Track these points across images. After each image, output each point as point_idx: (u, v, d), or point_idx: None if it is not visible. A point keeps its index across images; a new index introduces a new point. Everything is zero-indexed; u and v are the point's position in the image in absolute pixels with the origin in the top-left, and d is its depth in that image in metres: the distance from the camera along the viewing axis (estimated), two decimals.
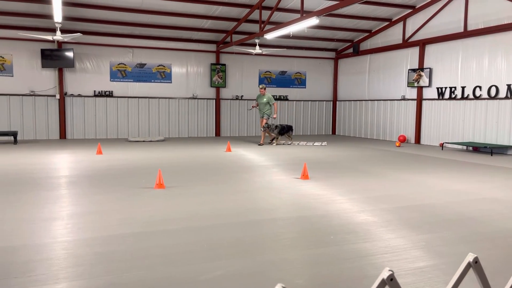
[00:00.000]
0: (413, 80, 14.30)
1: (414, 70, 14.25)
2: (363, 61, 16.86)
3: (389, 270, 1.13)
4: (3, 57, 13.85)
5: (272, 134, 13.17)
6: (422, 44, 13.87)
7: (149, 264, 3.37)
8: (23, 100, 14.15)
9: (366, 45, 16.64)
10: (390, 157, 10.65)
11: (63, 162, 9.11)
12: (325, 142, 14.09)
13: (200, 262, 3.45)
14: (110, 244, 3.85)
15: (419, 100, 14.20)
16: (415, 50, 14.27)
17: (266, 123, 13.03)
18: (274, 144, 13.13)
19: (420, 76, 14.00)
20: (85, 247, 3.76)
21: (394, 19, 14.98)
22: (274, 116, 13.26)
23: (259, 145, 13.05)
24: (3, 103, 13.91)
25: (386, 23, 15.28)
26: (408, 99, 14.73)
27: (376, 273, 3.26)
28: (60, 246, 3.79)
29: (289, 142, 13.63)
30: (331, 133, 18.72)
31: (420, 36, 14.03)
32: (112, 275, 3.15)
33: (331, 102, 18.66)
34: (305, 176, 7.23)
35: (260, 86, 13.25)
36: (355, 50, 16.50)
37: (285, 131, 13.41)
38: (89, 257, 3.52)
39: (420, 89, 14.18)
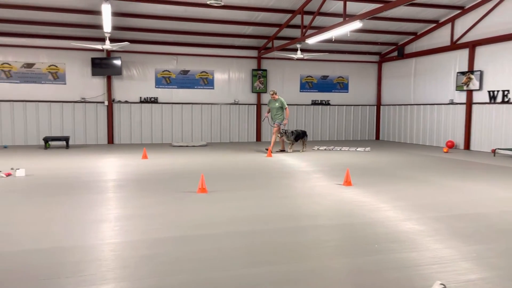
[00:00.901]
0: (462, 83, 13.73)
1: (463, 73, 13.67)
2: (408, 64, 16.39)
3: (441, 284, 1.08)
4: (56, 66, 14.62)
5: (288, 140, 12.37)
6: (472, 46, 13.29)
7: (191, 268, 3.42)
8: (74, 106, 14.85)
9: (411, 48, 16.17)
10: (438, 163, 10.25)
11: (111, 166, 9.46)
12: (369, 148, 13.79)
13: (241, 267, 3.46)
14: (155, 247, 3.94)
15: (469, 104, 13.60)
16: (464, 52, 13.69)
17: (282, 130, 12.36)
18: (290, 151, 12.43)
19: (470, 79, 13.41)
20: (131, 249, 3.87)
21: (441, 20, 14.46)
22: (285, 122, 12.41)
23: (280, 151, 12.46)
24: (56, 110, 14.66)
25: (433, 25, 14.78)
26: (457, 103, 14.14)
27: (424, 285, 3.13)
28: (108, 247, 3.92)
29: (304, 149, 12.81)
30: (374, 138, 18.31)
31: (469, 37, 13.45)
32: (156, 278, 3.23)
33: (375, 106, 18.26)
34: (348, 183, 7.10)
35: (271, 92, 12.54)
36: (400, 53, 16.08)
37: (300, 137, 12.69)
38: (135, 259, 3.62)
39: (469, 92, 13.58)
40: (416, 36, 15.68)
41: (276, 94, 12.54)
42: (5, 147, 13.61)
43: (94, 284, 3.11)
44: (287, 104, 12.88)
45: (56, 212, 5.22)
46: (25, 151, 12.46)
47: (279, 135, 12.32)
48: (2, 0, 11.46)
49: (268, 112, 12.73)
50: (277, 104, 12.41)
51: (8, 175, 7.81)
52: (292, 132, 12.48)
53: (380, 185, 7.21)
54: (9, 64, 14.11)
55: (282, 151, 12.51)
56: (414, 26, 15.03)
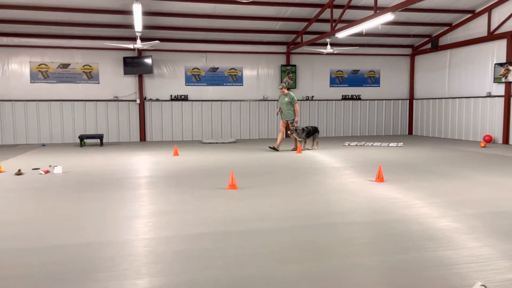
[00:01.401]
0: (500, 75, 13.18)
1: (501, 65, 13.13)
2: (443, 56, 15.89)
3: (482, 285, 1.03)
4: (90, 66, 15.03)
5: (299, 138, 11.65)
6: (510, 36, 12.72)
7: (223, 264, 3.44)
8: (108, 105, 15.24)
9: (446, 39, 15.66)
10: (474, 158, 9.91)
11: (143, 163, 9.66)
12: (401, 143, 13.48)
13: (273, 264, 3.45)
14: (187, 242, 3.99)
15: (508, 96, 13.05)
16: (502, 43, 13.14)
17: (293, 126, 11.58)
18: (302, 148, 11.81)
19: (508, 70, 12.86)
20: (164, 245, 3.94)
21: (477, 10, 13.92)
22: (296, 118, 11.66)
23: (272, 148, 11.78)
24: (91, 108, 15.08)
25: (469, 15, 14.25)
26: (495, 96, 13.60)
27: (461, 284, 3.03)
28: (142, 243, 4.00)
29: (315, 147, 12.12)
30: (407, 133, 17.88)
31: (507, 27, 12.88)
32: (189, 274, 3.27)
33: (407, 100, 17.81)
34: (380, 179, 6.96)
35: (280, 86, 11.70)
36: (434, 45, 15.59)
37: (311, 133, 11.93)
38: (168, 254, 3.68)
39: (508, 84, 13.02)
40: (451, 27, 15.16)
41: (285, 88, 11.71)
42: (43, 145, 14.13)
43: (128, 278, 3.18)
44: (297, 99, 12.33)
45: (92, 208, 5.37)
46: (62, 149, 12.90)
47: (289, 132, 11.75)
48: (39, 3, 11.88)
49: (279, 108, 12.03)
50: (286, 99, 11.65)
51: (47, 172, 8.10)
52: (303, 129, 11.78)
53: (413, 181, 7.03)
54: (46, 65, 14.62)
55: (295, 149, 11.80)
56: (448, 17, 14.55)
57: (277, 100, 16.53)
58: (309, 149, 11.94)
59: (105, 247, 3.86)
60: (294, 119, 11.65)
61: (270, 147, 11.84)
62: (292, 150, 11.82)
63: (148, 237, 4.19)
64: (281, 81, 16.45)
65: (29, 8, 12.05)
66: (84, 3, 12.11)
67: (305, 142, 11.89)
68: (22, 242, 4.02)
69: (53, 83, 14.73)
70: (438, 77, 16.19)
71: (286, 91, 11.63)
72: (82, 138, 13.60)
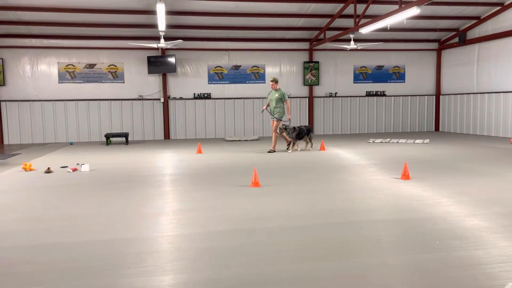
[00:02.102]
0: None
1: None
2: (471, 50, 15.45)
3: None
4: (115, 66, 15.31)
5: (289, 138, 10.85)
6: None
7: (246, 261, 3.45)
8: (133, 104, 15.49)
9: (474, 33, 15.22)
10: (504, 155, 9.60)
11: (167, 160, 9.78)
12: (428, 140, 13.19)
13: (296, 262, 3.44)
14: (211, 240, 4.02)
15: None
16: None
17: (283, 125, 10.68)
18: (290, 151, 10.81)
19: None
20: (188, 241, 3.98)
21: (507, 2, 13.46)
22: (288, 116, 10.87)
23: (270, 152, 10.76)
24: (116, 107, 15.37)
25: (498, 8, 13.80)
26: None
27: (491, 284, 2.95)
28: (167, 240, 4.06)
29: (309, 148, 11.24)
30: (433, 130, 17.49)
31: None
32: (212, 271, 3.29)
33: (434, 96, 17.42)
34: (406, 176, 6.84)
35: (271, 79, 10.85)
36: (461, 39, 15.18)
37: (304, 134, 10.98)
38: (192, 251, 3.71)
39: None
40: (479, 20, 14.73)
41: (277, 83, 10.87)
42: (71, 143, 14.49)
43: (154, 275, 3.23)
44: (288, 96, 11.35)
45: (118, 205, 5.47)
46: (89, 147, 13.20)
47: (278, 131, 10.73)
48: (66, 5, 12.17)
49: (267, 106, 11.07)
50: (276, 95, 10.77)
51: (75, 170, 8.31)
52: (294, 128, 10.82)
53: (440, 178, 6.87)
54: (73, 66, 14.97)
55: (289, 145, 11.11)
56: (476, 10, 14.13)
57: (299, 97, 16.50)
58: (298, 150, 11.08)
59: (132, 244, 3.93)
60: (282, 117, 10.83)
61: (269, 151, 10.83)
62: (287, 149, 11.13)
63: (173, 234, 4.24)
64: (304, 78, 16.36)
65: (56, 10, 12.36)
66: (109, 4, 12.33)
67: (296, 142, 10.94)
68: (51, 238, 4.14)
69: (80, 83, 15.07)
70: (466, 72, 15.76)
71: (277, 86, 10.89)
72: (108, 136, 13.88)
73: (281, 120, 10.80)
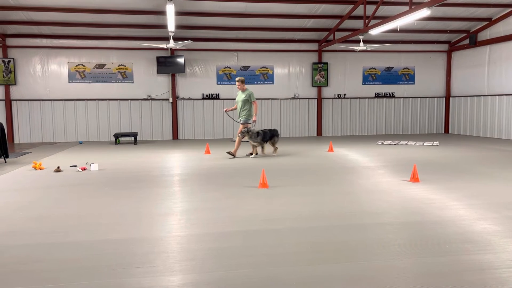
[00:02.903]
0: None
1: None
2: (482, 52, 15.31)
3: None
4: (125, 66, 15.40)
5: (253, 142, 10.04)
6: None
7: (254, 263, 3.45)
8: (141, 104, 15.57)
9: (485, 35, 15.08)
10: None
11: (176, 161, 9.81)
12: (437, 142, 13.09)
13: (304, 264, 3.43)
14: (219, 240, 4.02)
15: None
16: None
17: (245, 128, 9.94)
18: (252, 156, 10.10)
19: None
20: (196, 242, 3.98)
21: None
22: (254, 118, 10.06)
23: (228, 153, 10.14)
24: (125, 107, 15.46)
25: (510, 9, 13.65)
26: None
27: None
28: (175, 240, 4.07)
29: (275, 153, 10.53)
30: (443, 132, 17.35)
31: None
32: (221, 271, 3.29)
33: (444, 98, 17.28)
34: (415, 179, 6.79)
35: (237, 79, 10.03)
36: (472, 41, 15.04)
37: (268, 137, 10.27)
38: (200, 252, 3.72)
39: None
40: (490, 22, 14.59)
41: (243, 83, 10.04)
42: (80, 143, 14.61)
43: (162, 275, 3.24)
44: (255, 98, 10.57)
45: (126, 204, 5.50)
46: (98, 146, 13.29)
47: (239, 135, 10.00)
48: (76, 5, 12.27)
49: (235, 107, 10.39)
50: (243, 96, 9.98)
51: (84, 169, 8.37)
52: (258, 132, 10.03)
53: (450, 181, 6.82)
54: (83, 65, 15.09)
55: (252, 154, 10.31)
56: (487, 12, 14.00)
57: (307, 98, 16.46)
58: (269, 154, 10.42)
59: (140, 243, 3.95)
60: (246, 120, 10.05)
61: (228, 152, 10.22)
62: (248, 154, 10.45)
63: (181, 234, 4.25)
64: (313, 79, 16.31)
65: (67, 11, 12.48)
66: (118, 4, 12.41)
67: (262, 147, 10.29)
68: (60, 237, 4.17)
69: (89, 82, 15.19)
70: (477, 74, 15.62)
71: (245, 86, 10.11)
72: (117, 136, 13.96)
73: (247, 124, 10.08)
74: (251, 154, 10.35)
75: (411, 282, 3.11)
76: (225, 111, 10.62)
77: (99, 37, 14.85)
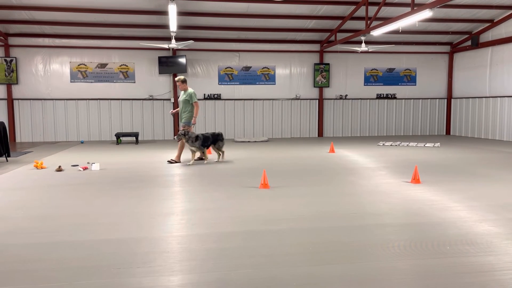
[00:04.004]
0: None
1: None
2: (484, 54, 15.29)
3: None
4: (127, 66, 15.41)
5: (191, 147, 9.06)
6: None
7: (255, 263, 3.45)
8: (143, 104, 15.58)
9: (487, 36, 15.06)
10: None
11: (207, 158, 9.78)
12: (438, 143, 13.08)
13: (305, 265, 3.43)
14: (220, 241, 4.02)
15: None
16: None
17: (182, 130, 9.06)
18: (191, 163, 9.05)
19: None
20: (197, 242, 3.99)
21: None
22: (194, 121, 9.22)
23: (170, 161, 9.33)
24: (127, 107, 15.47)
25: (511, 11, 13.66)
26: None
27: None
28: (176, 240, 4.07)
29: (220, 159, 9.56)
30: (444, 133, 17.33)
31: None
32: (221, 272, 3.29)
33: (445, 99, 17.26)
34: (416, 180, 6.78)
35: (176, 78, 9.32)
36: (474, 42, 15.02)
37: (210, 142, 9.26)
38: (201, 252, 3.72)
39: None
40: (493, 23, 14.57)
41: (184, 82, 9.30)
42: (82, 142, 14.62)
43: (162, 275, 3.24)
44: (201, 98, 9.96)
45: (127, 204, 5.51)
46: (99, 146, 13.30)
47: (175, 137, 9.24)
48: (78, 5, 12.29)
49: (177, 109, 9.72)
50: (184, 96, 9.28)
51: (85, 169, 8.38)
52: (197, 136, 9.01)
53: (451, 183, 6.81)
54: (85, 65, 15.10)
55: (201, 159, 9.50)
56: (490, 13, 13.98)
57: (309, 99, 16.46)
58: (209, 161, 9.40)
59: (141, 243, 3.95)
60: (187, 122, 9.29)
61: (169, 161, 9.40)
62: (198, 160, 9.54)
63: (182, 234, 4.25)
64: (315, 79, 16.30)
65: (69, 10, 12.50)
66: (121, 4, 12.43)
67: (203, 152, 9.24)
68: (61, 237, 4.17)
69: (91, 82, 15.20)
70: (479, 75, 15.60)
71: (186, 86, 9.37)
72: (118, 136, 13.97)
73: (189, 126, 9.28)
74: (200, 159, 9.49)
75: (412, 283, 3.10)
76: (171, 113, 10.08)
77: (101, 37, 14.86)
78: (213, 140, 9.37)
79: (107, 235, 4.22)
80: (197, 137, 9.02)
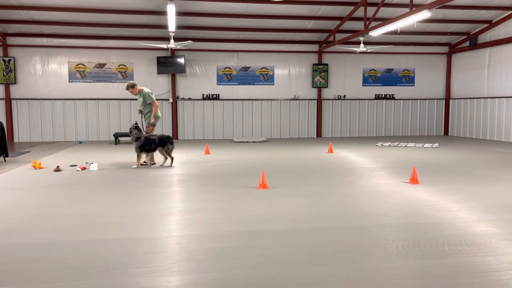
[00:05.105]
0: None
1: None
2: (482, 55, 15.32)
3: None
4: (125, 66, 15.40)
5: (135, 148, 8.67)
6: None
7: (254, 264, 3.45)
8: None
9: (485, 37, 15.09)
10: None
11: (175, 161, 9.77)
12: (437, 144, 13.10)
13: (304, 265, 3.43)
14: (218, 241, 4.02)
15: None
16: None
17: (133, 125, 8.68)
18: (134, 167, 8.59)
19: None
20: (195, 242, 3.98)
21: None
22: (152, 120, 8.94)
23: (143, 164, 8.91)
24: (125, 107, 15.42)
25: (510, 12, 13.67)
26: None
27: None
28: (174, 240, 4.06)
29: (168, 163, 8.87)
30: (443, 134, 17.36)
31: None
32: (220, 272, 3.29)
33: (443, 100, 17.30)
34: (414, 181, 6.79)
35: (125, 87, 8.97)
36: (472, 43, 15.06)
37: (154, 146, 8.58)
38: (199, 252, 3.71)
39: None
40: (491, 24, 14.60)
41: (133, 87, 8.90)
42: (80, 142, 14.60)
43: (161, 275, 3.23)
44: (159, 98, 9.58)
45: (126, 204, 5.50)
46: (98, 146, 13.28)
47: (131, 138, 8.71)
48: (77, 5, 12.28)
49: (139, 110, 9.30)
50: (141, 99, 9.03)
51: (83, 169, 8.36)
52: (139, 138, 8.49)
53: (450, 183, 6.82)
54: (84, 65, 15.08)
55: (152, 163, 9.00)
56: (488, 14, 14.02)
57: (307, 100, 16.47)
58: (149, 165, 8.83)
59: (139, 244, 3.94)
60: (149, 123, 9.04)
61: (142, 164, 8.88)
62: (144, 164, 9.00)
63: (180, 234, 4.24)
64: (313, 80, 16.30)
65: (68, 10, 12.48)
66: (119, 4, 12.41)
67: (140, 155, 8.62)
68: (59, 237, 4.16)
69: (89, 82, 15.18)
70: (477, 76, 15.63)
71: (138, 89, 8.99)
72: (117, 136, 13.95)
73: (152, 126, 9.07)
74: (153, 164, 8.99)
75: (411, 283, 3.10)
76: (138, 111, 9.34)
77: (99, 37, 14.84)
78: (161, 143, 8.66)
79: (106, 235, 4.21)
80: (138, 138, 8.52)
